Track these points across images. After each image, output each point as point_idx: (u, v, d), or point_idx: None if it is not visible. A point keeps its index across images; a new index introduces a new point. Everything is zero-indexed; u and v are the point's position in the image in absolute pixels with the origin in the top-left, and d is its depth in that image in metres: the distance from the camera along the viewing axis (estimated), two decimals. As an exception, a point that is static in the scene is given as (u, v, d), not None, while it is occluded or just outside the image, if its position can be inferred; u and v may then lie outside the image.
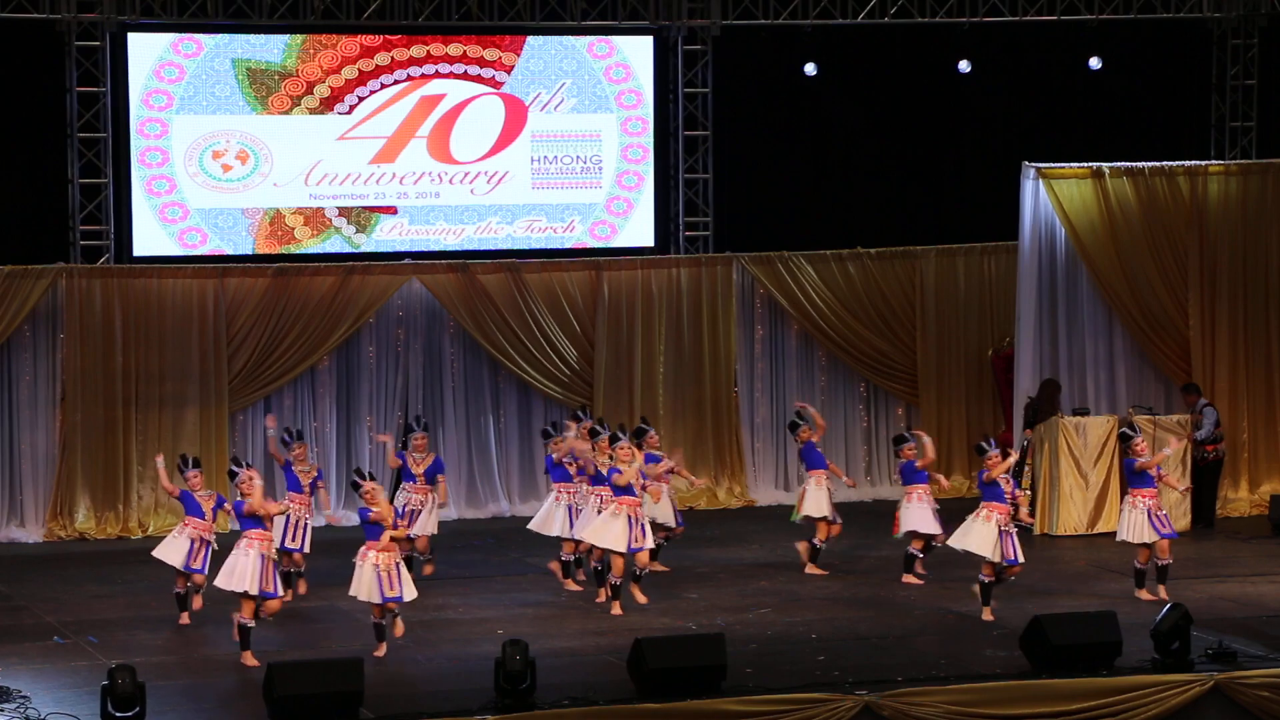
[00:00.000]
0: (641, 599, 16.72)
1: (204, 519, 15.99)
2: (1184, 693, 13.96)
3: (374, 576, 14.84)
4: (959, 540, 16.40)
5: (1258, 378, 21.48)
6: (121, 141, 20.69)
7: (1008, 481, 16.41)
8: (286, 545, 16.64)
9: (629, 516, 16.42)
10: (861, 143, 22.88)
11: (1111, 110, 23.01)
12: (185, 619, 16.03)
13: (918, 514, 17.51)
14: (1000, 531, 16.16)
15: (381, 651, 14.95)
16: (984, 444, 16.57)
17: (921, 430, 18.56)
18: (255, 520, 15.01)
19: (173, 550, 16.02)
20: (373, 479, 15.19)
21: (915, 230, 22.69)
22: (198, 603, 16.12)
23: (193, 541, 15.90)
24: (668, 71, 22.18)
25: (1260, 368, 21.49)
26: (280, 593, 15.26)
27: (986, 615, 16.15)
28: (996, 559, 16.15)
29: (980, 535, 16.21)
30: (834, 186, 22.83)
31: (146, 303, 20.59)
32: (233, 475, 15.62)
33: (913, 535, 17.61)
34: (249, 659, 14.68)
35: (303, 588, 17.12)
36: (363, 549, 15.03)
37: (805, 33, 22.22)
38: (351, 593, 15.12)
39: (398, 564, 14.96)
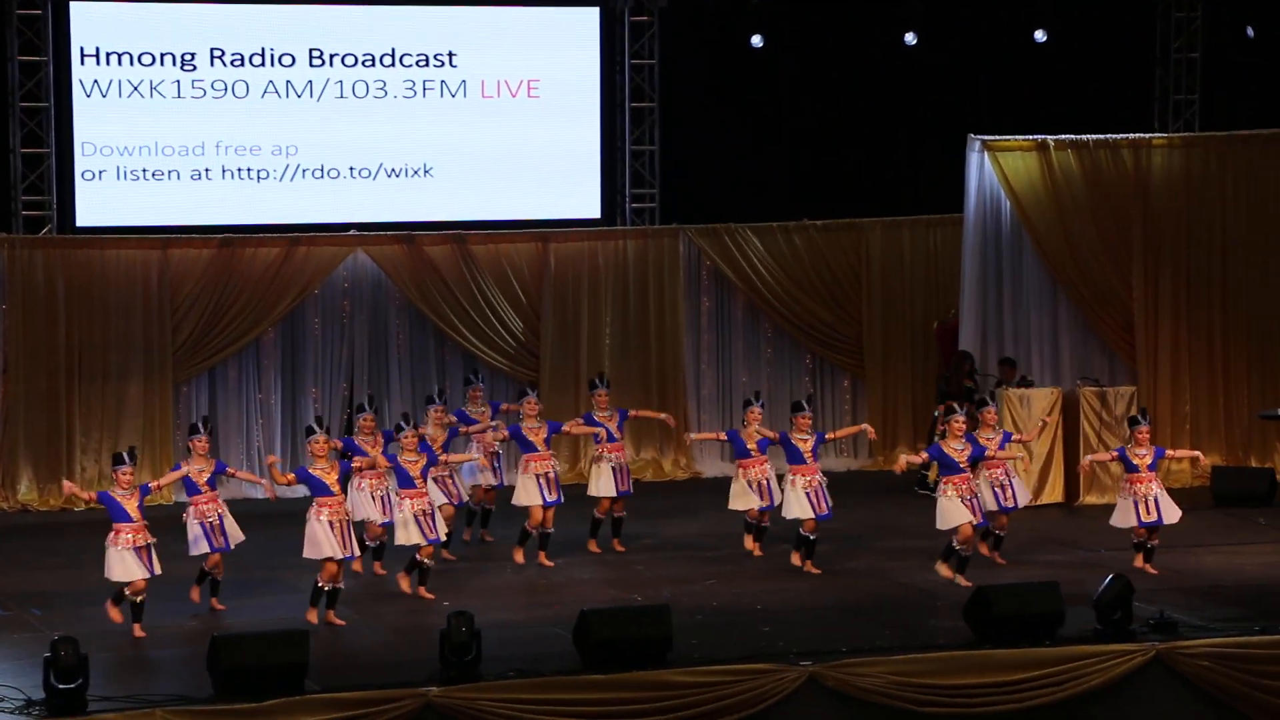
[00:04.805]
0: (547, 563, 17.25)
1: (131, 520, 14.94)
2: (1125, 662, 13.99)
3: (414, 522, 15.70)
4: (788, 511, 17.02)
5: (1200, 350, 21.48)
6: (64, 111, 20.53)
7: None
8: (215, 547, 15.48)
9: (537, 474, 17.22)
10: (807, 115, 22.82)
11: (1056, 83, 22.98)
12: (139, 631, 14.79)
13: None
14: (806, 492, 16.88)
15: (405, 587, 16.01)
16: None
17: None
18: (323, 487, 15.12)
19: (124, 565, 14.81)
20: (416, 429, 16.19)
21: (861, 202, 22.65)
22: (138, 631, 14.81)
23: (137, 548, 14.88)
24: (614, 43, 22.08)
25: (1203, 340, 21.49)
26: (357, 554, 15.58)
27: (799, 562, 16.86)
28: (811, 516, 16.87)
29: (792, 500, 16.93)
30: (780, 158, 22.76)
31: (89, 274, 20.43)
32: (195, 431, 16.00)
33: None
34: (312, 617, 15.07)
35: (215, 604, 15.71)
36: (398, 499, 15.84)
37: (752, 4, 22.13)
38: (399, 542, 15.87)
39: (432, 507, 15.84)
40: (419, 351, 21.67)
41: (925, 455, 17.01)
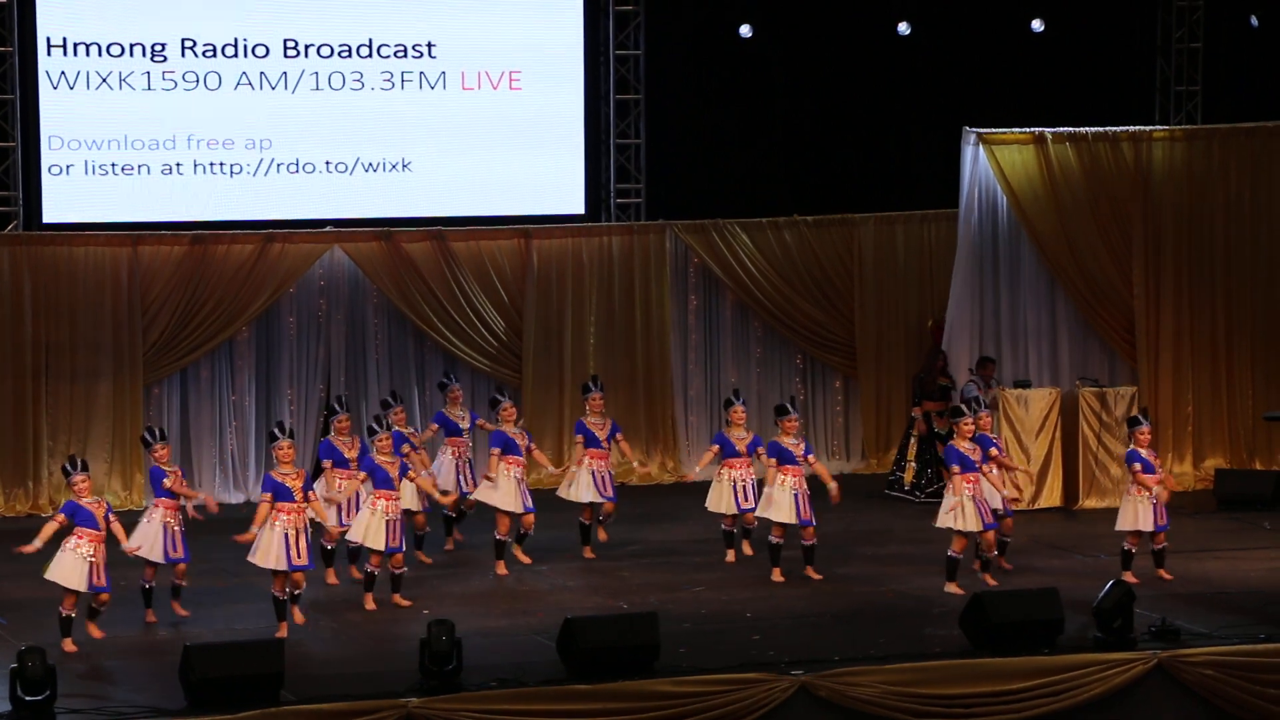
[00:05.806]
0: (524, 559, 17.23)
1: (98, 529, 14.52)
2: (1126, 671, 13.91)
3: (379, 526, 15.58)
4: (763, 510, 16.79)
5: (1202, 348, 21.37)
6: (30, 103, 20.30)
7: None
8: (170, 557, 15.18)
9: (517, 478, 17.04)
10: (798, 107, 22.71)
11: (1054, 74, 22.85)
12: (70, 646, 14.35)
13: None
14: (794, 494, 16.55)
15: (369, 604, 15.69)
16: (787, 405, 17.10)
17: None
18: (286, 492, 14.85)
19: (70, 571, 14.36)
20: (389, 429, 16.10)
21: (853, 197, 22.51)
22: (95, 631, 14.68)
23: (91, 563, 14.37)
24: (599, 33, 21.89)
25: (1205, 338, 21.38)
26: (310, 564, 15.03)
27: (781, 577, 16.58)
28: (794, 521, 16.56)
29: (777, 499, 16.63)
30: (770, 152, 22.65)
31: (57, 272, 20.22)
32: (146, 445, 15.64)
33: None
34: (283, 631, 14.65)
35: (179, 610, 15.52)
36: (370, 498, 15.67)
37: (740, -8, 22.07)
38: (351, 537, 15.86)
39: (399, 514, 15.64)
40: (397, 351, 21.48)
41: (956, 469, 16.31)
